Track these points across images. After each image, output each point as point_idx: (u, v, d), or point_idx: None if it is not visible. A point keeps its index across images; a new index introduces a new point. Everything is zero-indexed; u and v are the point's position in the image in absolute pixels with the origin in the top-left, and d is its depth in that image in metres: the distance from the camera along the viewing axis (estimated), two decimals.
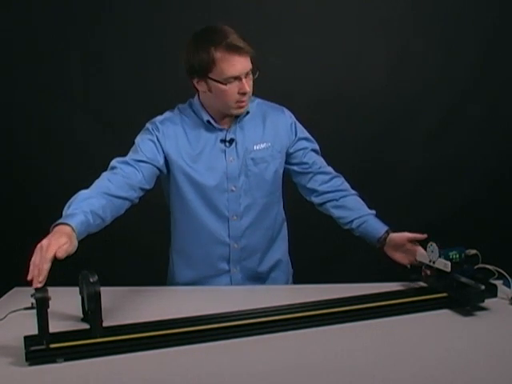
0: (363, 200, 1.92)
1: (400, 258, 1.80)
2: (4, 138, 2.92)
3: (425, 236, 1.74)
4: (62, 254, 1.32)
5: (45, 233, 1.44)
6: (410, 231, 1.77)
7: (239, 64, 1.66)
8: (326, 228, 1.90)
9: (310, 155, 1.91)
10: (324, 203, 1.92)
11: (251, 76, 1.71)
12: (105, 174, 1.67)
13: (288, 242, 2.02)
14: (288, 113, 1.92)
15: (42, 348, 1.30)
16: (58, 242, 1.34)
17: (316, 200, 1.93)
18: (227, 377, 1.26)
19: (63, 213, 1.48)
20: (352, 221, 1.86)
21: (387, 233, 1.81)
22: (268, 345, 1.40)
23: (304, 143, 1.91)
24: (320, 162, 1.93)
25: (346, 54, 2.86)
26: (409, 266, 1.78)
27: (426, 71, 2.86)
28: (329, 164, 1.96)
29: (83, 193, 1.56)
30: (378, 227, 1.83)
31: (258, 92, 1.94)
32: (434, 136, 2.92)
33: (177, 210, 1.87)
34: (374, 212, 1.87)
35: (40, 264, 1.30)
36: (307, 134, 1.94)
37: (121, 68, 2.84)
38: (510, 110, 2.91)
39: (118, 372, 1.29)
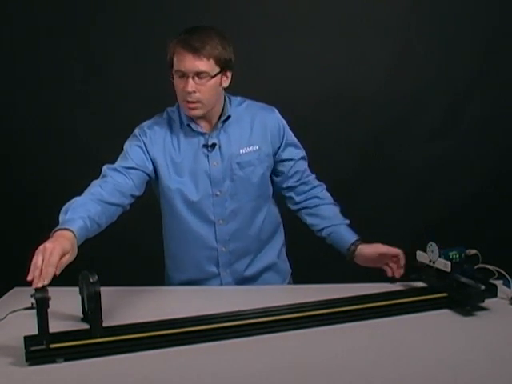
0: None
1: (373, 263, 1.80)
2: (4, 137, 2.92)
3: (398, 252, 1.75)
4: (58, 272, 1.33)
5: (45, 233, 1.45)
6: (407, 231, 1.77)
7: (187, 61, 1.65)
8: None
9: (296, 166, 1.89)
10: (299, 210, 1.93)
11: (207, 80, 1.67)
12: (96, 182, 1.68)
13: (286, 242, 2.01)
14: (277, 114, 1.89)
15: (42, 348, 1.30)
16: (63, 247, 1.35)
17: (292, 207, 1.94)
18: (227, 377, 1.26)
19: (60, 219, 1.48)
20: (322, 229, 1.87)
21: (355, 244, 1.80)
22: (268, 345, 1.41)
23: (291, 152, 1.88)
24: (303, 171, 1.91)
25: (346, 54, 2.86)
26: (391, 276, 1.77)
27: (426, 71, 2.86)
28: (328, 163, 1.96)
29: (78, 199, 1.56)
30: (346, 238, 1.82)
31: (258, 92, 1.94)
32: (434, 136, 2.92)
33: (166, 215, 1.87)
34: (346, 222, 1.86)
35: (44, 268, 1.30)
36: (295, 140, 1.91)
37: (121, 68, 2.84)
38: (510, 110, 2.91)
39: (117, 372, 1.29)
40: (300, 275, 2.06)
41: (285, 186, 1.91)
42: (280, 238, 1.99)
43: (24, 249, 1.41)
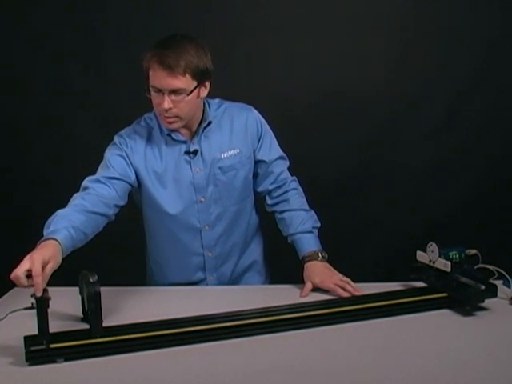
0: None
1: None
2: (4, 137, 2.92)
3: (310, 287, 1.72)
4: (44, 284, 1.30)
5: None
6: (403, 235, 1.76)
7: (162, 78, 1.59)
8: (324, 228, 1.89)
9: (271, 168, 1.87)
10: (272, 212, 1.93)
11: (183, 97, 1.62)
12: (78, 195, 1.62)
13: (270, 242, 2.01)
14: (255, 112, 1.86)
15: (42, 348, 1.30)
16: (42, 257, 1.31)
17: (266, 209, 1.93)
18: (227, 377, 1.26)
19: (44, 232, 1.45)
20: (287, 236, 1.87)
21: (304, 261, 1.79)
22: (268, 345, 1.41)
23: (266, 153, 1.86)
24: (279, 173, 1.88)
25: (346, 53, 2.86)
26: None
27: (426, 71, 2.86)
28: (328, 163, 1.95)
29: (61, 211, 1.52)
30: (301, 250, 1.81)
31: (258, 92, 1.93)
32: (434, 136, 2.92)
33: (150, 223, 1.87)
34: (310, 231, 1.83)
35: (35, 279, 1.27)
36: (272, 141, 1.88)
37: (121, 68, 2.83)
38: (510, 110, 2.91)
39: (118, 372, 1.29)
40: (300, 275, 2.06)
41: (260, 187, 1.90)
42: (261, 238, 1.99)
43: (24, 249, 1.40)
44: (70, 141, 2.90)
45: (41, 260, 1.30)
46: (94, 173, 1.71)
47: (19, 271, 1.28)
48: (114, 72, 2.84)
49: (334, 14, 2.83)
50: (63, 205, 1.57)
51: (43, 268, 1.30)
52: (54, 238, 1.40)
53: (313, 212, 1.89)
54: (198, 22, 2.66)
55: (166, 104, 1.61)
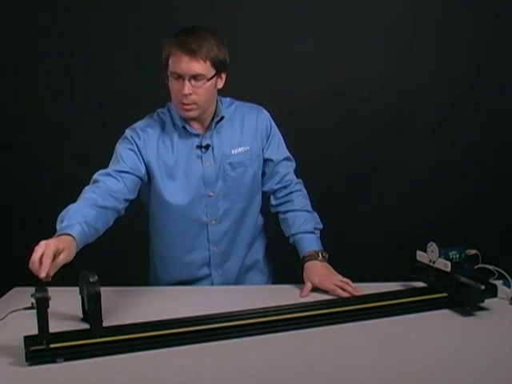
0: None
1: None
2: (4, 137, 2.92)
3: (309, 287, 1.72)
4: (52, 272, 1.32)
5: (45, 232, 1.44)
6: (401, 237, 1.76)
7: (184, 63, 1.63)
8: (325, 228, 1.89)
9: (278, 168, 1.89)
10: (275, 213, 1.93)
11: (203, 83, 1.66)
12: (88, 188, 1.64)
13: (273, 242, 2.01)
14: (266, 113, 1.89)
15: (41, 348, 1.30)
16: (57, 244, 1.34)
17: (270, 209, 1.94)
18: (227, 377, 1.26)
19: (57, 227, 1.46)
20: (289, 237, 1.88)
21: (304, 260, 1.79)
22: (268, 345, 1.41)
23: (274, 152, 1.88)
24: (285, 174, 1.90)
25: (346, 53, 2.86)
26: None
27: (426, 71, 2.86)
28: (327, 163, 1.95)
29: (73, 206, 1.54)
30: (301, 250, 1.82)
31: (258, 92, 1.94)
32: (434, 136, 2.92)
33: (158, 217, 1.86)
34: (312, 231, 1.84)
35: (42, 260, 1.30)
36: (279, 141, 1.90)
37: (121, 68, 2.83)
38: (509, 110, 2.91)
39: (117, 372, 1.29)
40: (300, 275, 2.06)
41: (265, 186, 1.91)
42: (265, 237, 2.00)
43: (24, 249, 1.41)
44: (70, 140, 2.90)
45: (55, 247, 1.33)
46: (93, 171, 1.71)
47: (35, 257, 1.30)
48: (113, 72, 2.84)
49: (334, 14, 2.83)
50: (63, 205, 1.57)
51: (56, 256, 1.32)
52: (68, 234, 1.41)
53: (316, 213, 1.90)
54: (198, 21, 2.64)
55: (187, 89, 1.65)
